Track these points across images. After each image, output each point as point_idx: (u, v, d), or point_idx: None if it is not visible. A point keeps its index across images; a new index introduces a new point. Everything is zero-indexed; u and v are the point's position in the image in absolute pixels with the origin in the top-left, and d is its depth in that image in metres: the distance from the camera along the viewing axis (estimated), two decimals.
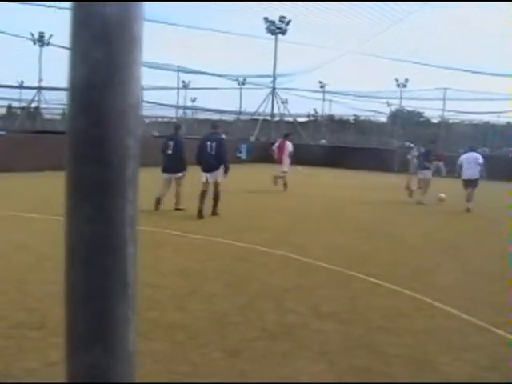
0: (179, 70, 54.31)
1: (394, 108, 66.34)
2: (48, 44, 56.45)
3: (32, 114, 59.74)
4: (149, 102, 50.35)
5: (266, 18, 50.98)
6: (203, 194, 13.23)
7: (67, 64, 1.05)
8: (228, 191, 14.83)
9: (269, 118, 53.48)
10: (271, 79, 52.11)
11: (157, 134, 43.82)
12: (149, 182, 15.68)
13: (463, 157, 18.05)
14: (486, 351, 5.49)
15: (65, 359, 1.11)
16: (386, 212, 16.58)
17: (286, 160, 21.19)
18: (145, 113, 53.88)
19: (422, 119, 73.54)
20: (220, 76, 57.09)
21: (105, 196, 1.06)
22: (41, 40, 57.02)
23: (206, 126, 43.46)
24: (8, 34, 49.45)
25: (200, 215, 12.98)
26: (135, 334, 1.14)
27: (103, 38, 1.02)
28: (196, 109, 66.23)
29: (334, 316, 6.32)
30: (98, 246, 1.07)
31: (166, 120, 65.04)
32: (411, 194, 20.11)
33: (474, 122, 64.42)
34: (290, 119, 59.71)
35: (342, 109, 68.17)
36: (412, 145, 32.04)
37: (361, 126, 71.76)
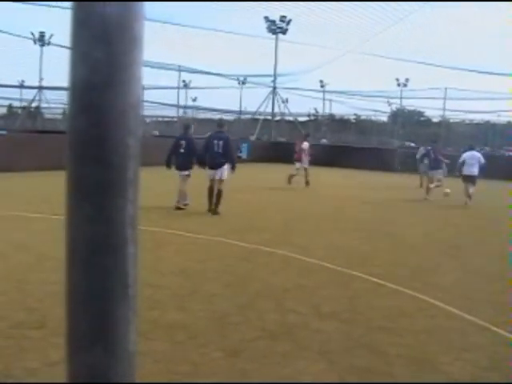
0: (180, 69, 54.24)
1: (394, 107, 66.32)
2: (49, 44, 56.42)
3: (33, 113, 59.71)
4: (149, 102, 50.31)
5: (266, 18, 50.97)
6: (211, 191, 13.70)
7: (68, 64, 1.05)
8: (229, 190, 14.85)
9: (269, 117, 53.45)
10: (272, 79, 52.09)
11: (157, 134, 43.81)
12: (149, 181, 15.72)
13: (465, 155, 19.26)
14: (487, 351, 5.49)
15: (65, 359, 1.11)
16: (387, 212, 16.58)
17: (305, 158, 22.73)
18: (145, 112, 53.86)
19: (422, 118, 73.48)
20: (221, 75, 57.04)
21: (105, 196, 1.06)
22: (41, 39, 56.99)
23: (207, 126, 43.47)
24: (8, 33, 49.42)
25: (215, 212, 13.50)
26: (136, 334, 1.14)
27: (103, 38, 1.02)
28: (196, 108, 66.16)
29: (335, 316, 6.32)
30: (98, 246, 1.07)
31: (166, 120, 64.99)
32: (429, 192, 20.23)
33: (475, 122, 64.36)
34: (291, 119, 59.65)
35: (343, 108, 68.30)
36: (413, 144, 31.98)
37: (361, 125, 71.65)
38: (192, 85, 66.72)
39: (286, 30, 50.98)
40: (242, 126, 54.67)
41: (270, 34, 51.01)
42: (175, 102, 54.76)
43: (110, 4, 1.01)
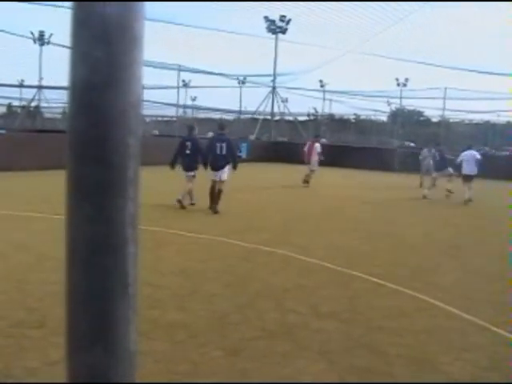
0: (180, 69, 54.21)
1: (394, 107, 66.32)
2: (48, 43, 56.41)
3: (32, 112, 59.68)
4: (149, 101, 50.31)
5: (266, 18, 50.98)
6: (212, 190, 14.00)
7: (67, 63, 1.05)
8: (229, 190, 14.91)
9: (269, 117, 53.43)
10: (271, 78, 52.09)
11: (157, 133, 43.81)
12: (150, 181, 15.67)
13: (463, 154, 20.06)
14: (487, 351, 5.49)
15: (65, 359, 1.11)
16: (387, 212, 16.58)
17: (315, 159, 23.35)
18: (145, 112, 53.84)
19: (422, 118, 73.46)
20: (220, 75, 57.01)
21: (105, 196, 1.06)
22: (41, 39, 56.98)
23: (206, 125, 43.44)
24: (8, 32, 49.40)
25: (215, 211, 13.73)
26: (136, 333, 1.14)
27: (103, 38, 1.02)
28: (196, 108, 66.11)
29: (335, 316, 6.32)
30: (98, 246, 1.07)
31: (166, 119, 64.96)
32: (450, 192, 20.56)
33: (474, 122, 64.36)
34: (291, 118, 59.64)
35: (342, 108, 68.21)
36: (412, 144, 32.37)
37: (361, 125, 71.64)
38: (192, 84, 66.73)
39: (286, 29, 51.01)
40: (241, 125, 54.65)
41: (269, 34, 51.05)
42: (175, 102, 54.75)
43: (110, 4, 1.01)
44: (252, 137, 46.13)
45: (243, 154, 36.65)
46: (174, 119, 56.63)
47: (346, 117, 74.00)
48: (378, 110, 67.30)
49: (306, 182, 22.78)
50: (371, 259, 9.43)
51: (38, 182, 18.41)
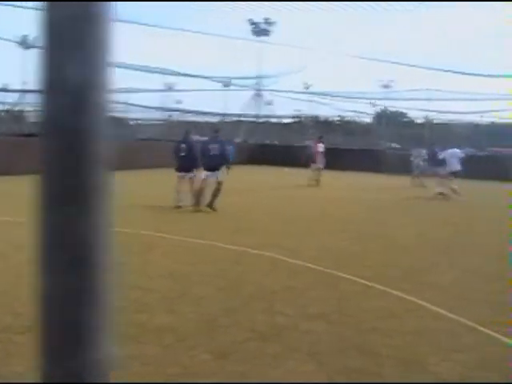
0: (164, 72, 54.12)
1: (378, 109, 66.67)
2: (32, 47, 56.08)
3: (17, 117, 59.30)
4: (133, 105, 50.22)
5: (250, 20, 51.11)
6: (201, 191, 14.61)
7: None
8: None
9: (254, 119, 53.51)
10: (256, 81, 52.20)
11: (143, 137, 43.68)
12: (136, 185, 15.59)
13: (447, 152, 21.40)
14: (476, 351, 5.51)
15: (38, 368, 1.10)
16: (377, 213, 16.63)
17: (319, 159, 24.83)
18: (130, 115, 53.76)
19: (405, 119, 73.85)
20: (205, 78, 57.00)
21: (74, 204, 1.04)
22: (24, 43, 56.66)
23: (193, 129, 43.28)
24: None
25: (197, 208, 14.42)
26: (110, 342, 1.12)
27: (70, 41, 1.00)
28: (181, 111, 66.01)
29: (324, 317, 6.31)
30: (68, 255, 1.05)
31: (151, 123, 64.81)
32: (455, 191, 20.99)
33: (458, 122, 64.81)
34: (276, 120, 59.75)
35: (327, 110, 68.27)
36: (397, 145, 33.40)
37: (346, 126, 71.89)
38: (177, 87, 66.64)
39: (270, 32, 51.16)
40: (226, 128, 54.67)
41: (254, 36, 51.17)
42: (159, 105, 54.68)
43: (75, 4, 1.00)
44: (237, 139, 46.14)
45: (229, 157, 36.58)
46: (160, 123, 56.54)
47: (330, 119, 74.25)
48: (363, 112, 67.66)
49: (316, 181, 24.21)
50: (361, 260, 9.44)
51: (26, 187, 18.25)
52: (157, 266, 8.39)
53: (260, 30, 50.96)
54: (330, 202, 18.84)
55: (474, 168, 22.32)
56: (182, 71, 55.59)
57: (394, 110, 68.35)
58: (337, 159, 35.80)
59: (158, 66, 52.39)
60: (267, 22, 50.96)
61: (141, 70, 50.01)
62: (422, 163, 24.73)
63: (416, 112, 65.25)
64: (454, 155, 21.10)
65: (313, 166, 24.84)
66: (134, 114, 56.06)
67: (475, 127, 61.67)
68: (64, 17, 1.01)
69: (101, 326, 1.12)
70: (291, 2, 45.08)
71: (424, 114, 58.14)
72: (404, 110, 71.02)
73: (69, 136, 1.04)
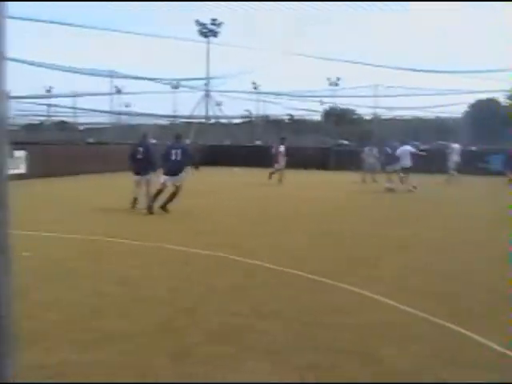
0: (112, 75, 53.48)
1: (327, 106, 67.32)
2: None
3: None
4: (81, 109, 49.52)
5: (197, 21, 50.94)
6: (158, 194, 14.59)
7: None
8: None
9: (204, 120, 53.37)
10: (205, 82, 52.09)
11: (91, 141, 43.16)
12: (84, 190, 15.37)
13: (399, 150, 22.81)
14: (428, 341, 5.63)
15: None
16: (332, 209, 16.81)
17: (281, 159, 26.10)
18: (78, 120, 52.99)
19: (354, 116, 74.81)
20: (153, 80, 56.58)
21: None
22: None
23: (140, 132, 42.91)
24: None
25: (150, 211, 14.30)
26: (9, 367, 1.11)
27: None
28: (130, 114, 65.31)
29: (277, 315, 6.35)
30: None
31: (99, 126, 63.99)
32: (415, 187, 22.17)
33: (406, 118, 66.08)
34: (225, 121, 59.75)
35: (277, 109, 68.76)
36: (346, 142, 34.58)
37: (296, 125, 72.36)
38: (125, 90, 65.92)
39: (218, 32, 51.12)
40: (176, 130, 54.41)
41: (201, 38, 51.03)
42: (107, 109, 54.01)
43: None
44: (187, 141, 45.95)
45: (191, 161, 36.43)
46: (109, 126, 55.87)
47: (280, 117, 74.70)
48: (312, 110, 68.31)
49: (279, 180, 25.44)
50: (315, 258, 9.53)
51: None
52: (106, 271, 8.28)
53: (208, 30, 50.81)
54: (281, 199, 18.99)
55: (422, 162, 23.29)
56: (130, 74, 55.08)
57: (343, 107, 69.20)
58: (288, 158, 36.11)
59: (105, 69, 51.79)
60: (214, 23, 50.86)
61: (88, 74, 49.37)
62: (373, 161, 26.05)
63: (365, 109, 66.27)
64: (405, 152, 22.48)
65: (276, 165, 26.06)
66: (83, 119, 55.30)
67: (422, 122, 62.95)
68: None
69: (4, 351, 1.09)
70: (236, 2, 45.16)
71: (373, 110, 59.05)
72: (353, 107, 71.97)
73: None
